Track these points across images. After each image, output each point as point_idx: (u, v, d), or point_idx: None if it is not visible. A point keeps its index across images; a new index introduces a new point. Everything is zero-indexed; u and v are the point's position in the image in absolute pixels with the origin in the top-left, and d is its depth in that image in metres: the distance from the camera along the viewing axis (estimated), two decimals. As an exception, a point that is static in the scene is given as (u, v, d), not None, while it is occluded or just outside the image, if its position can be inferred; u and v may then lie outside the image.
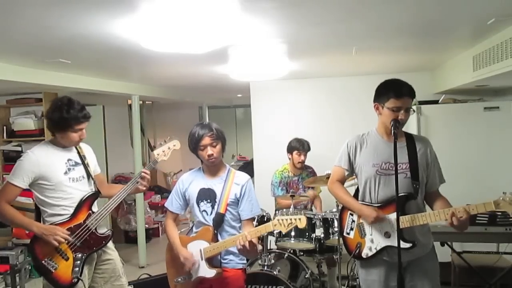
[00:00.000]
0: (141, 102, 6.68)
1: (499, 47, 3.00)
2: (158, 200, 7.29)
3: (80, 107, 2.57)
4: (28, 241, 4.83)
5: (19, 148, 5.48)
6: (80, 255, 2.54)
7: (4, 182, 2.57)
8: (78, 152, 2.73)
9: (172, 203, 2.66)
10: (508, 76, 3.20)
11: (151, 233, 6.77)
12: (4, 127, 5.52)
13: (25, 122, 5.40)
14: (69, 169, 2.62)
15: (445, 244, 3.49)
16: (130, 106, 5.96)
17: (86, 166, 2.72)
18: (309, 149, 4.34)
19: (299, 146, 4.29)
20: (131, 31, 2.66)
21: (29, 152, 2.57)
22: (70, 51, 3.21)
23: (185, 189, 2.63)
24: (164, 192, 7.60)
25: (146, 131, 8.42)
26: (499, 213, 3.26)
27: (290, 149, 4.35)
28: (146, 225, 6.14)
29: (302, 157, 4.29)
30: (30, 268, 4.97)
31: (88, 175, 2.73)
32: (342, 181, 2.56)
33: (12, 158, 5.50)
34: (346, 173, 2.51)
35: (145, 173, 2.70)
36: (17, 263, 4.44)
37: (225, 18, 2.47)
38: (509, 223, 3.26)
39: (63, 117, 2.50)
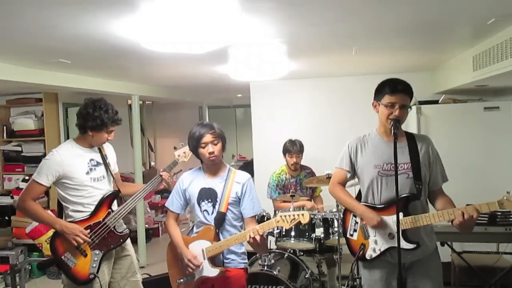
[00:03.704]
0: (141, 102, 6.67)
1: (499, 47, 3.00)
2: (158, 200, 7.29)
3: (115, 110, 2.73)
4: (28, 241, 4.92)
5: (19, 148, 5.48)
6: (97, 252, 2.62)
7: (29, 180, 2.70)
8: (100, 152, 2.82)
9: (173, 202, 2.66)
10: (508, 76, 3.19)
11: (151, 233, 6.77)
12: (4, 127, 5.53)
13: (25, 122, 5.40)
14: (90, 169, 2.70)
15: (445, 244, 3.49)
16: (130, 106, 5.96)
17: (107, 166, 2.81)
18: (301, 149, 4.26)
19: (290, 148, 4.22)
20: (131, 31, 2.66)
21: (54, 151, 2.66)
22: (70, 51, 3.20)
23: (185, 188, 2.63)
24: (164, 192, 7.58)
25: (146, 131, 8.42)
26: (499, 213, 3.26)
27: (284, 152, 4.30)
28: (146, 225, 6.14)
29: (294, 159, 4.21)
30: (30, 268, 4.97)
31: (109, 174, 2.82)
32: (343, 183, 2.54)
33: (12, 158, 5.51)
34: (348, 175, 2.49)
35: (163, 175, 2.84)
36: (17, 263, 4.44)
37: (225, 18, 2.47)
38: (509, 223, 3.26)
39: (102, 118, 2.64)
